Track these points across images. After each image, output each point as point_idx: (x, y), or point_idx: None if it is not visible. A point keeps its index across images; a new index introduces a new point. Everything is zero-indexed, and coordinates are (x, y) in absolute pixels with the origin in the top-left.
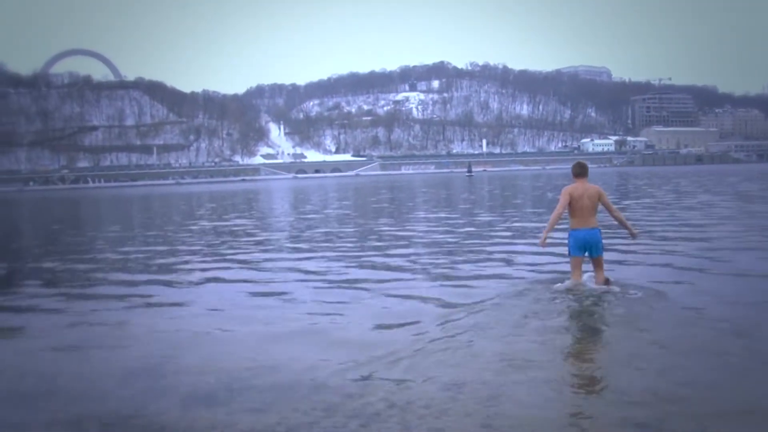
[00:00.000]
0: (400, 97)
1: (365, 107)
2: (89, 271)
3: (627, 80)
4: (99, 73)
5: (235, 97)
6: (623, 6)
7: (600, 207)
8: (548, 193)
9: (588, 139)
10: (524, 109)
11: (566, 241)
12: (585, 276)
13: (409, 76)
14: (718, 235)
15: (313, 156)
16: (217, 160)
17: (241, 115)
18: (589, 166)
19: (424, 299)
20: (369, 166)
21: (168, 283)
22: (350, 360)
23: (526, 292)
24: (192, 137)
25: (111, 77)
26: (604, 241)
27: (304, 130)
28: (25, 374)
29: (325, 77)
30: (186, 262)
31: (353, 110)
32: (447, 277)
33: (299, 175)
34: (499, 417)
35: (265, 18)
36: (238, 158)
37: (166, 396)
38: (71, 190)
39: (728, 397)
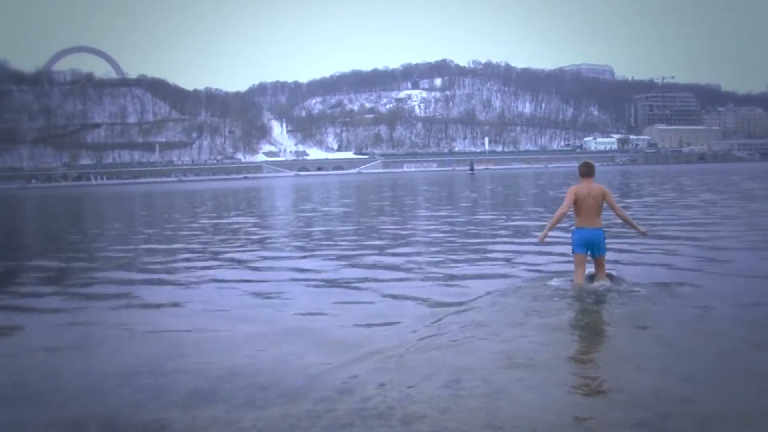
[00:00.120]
0: (402, 95)
1: (367, 105)
2: (88, 269)
3: (630, 78)
4: (101, 70)
5: (238, 94)
6: (626, 4)
7: (606, 206)
8: (550, 192)
9: (591, 138)
10: (527, 107)
11: (566, 241)
12: (587, 273)
13: (411, 74)
14: (721, 234)
15: (315, 154)
16: (219, 157)
17: (243, 113)
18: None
19: (423, 297)
20: (371, 163)
21: (168, 282)
22: (350, 358)
23: (527, 290)
24: (194, 135)
25: (113, 75)
26: (608, 241)
27: (306, 128)
28: (25, 372)
29: (327, 75)
30: (186, 260)
31: (355, 108)
32: (447, 276)
33: (301, 173)
34: (501, 415)
35: (267, 16)
36: (240, 156)
37: (166, 394)
38: (73, 188)
39: (730, 397)
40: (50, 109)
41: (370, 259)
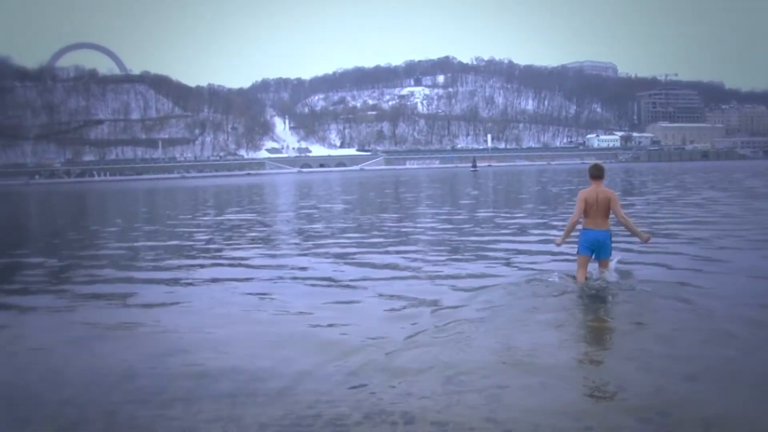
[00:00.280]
0: (405, 91)
1: (370, 102)
2: (87, 267)
3: (633, 76)
4: (104, 66)
5: (241, 91)
6: (629, 1)
7: None
8: (552, 188)
9: (593, 135)
10: (529, 105)
11: (569, 240)
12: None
13: (414, 71)
14: (724, 232)
15: (317, 150)
16: (222, 154)
17: (246, 110)
18: (594, 161)
19: (422, 295)
20: (373, 160)
21: (167, 281)
22: (351, 355)
23: (527, 287)
24: (197, 131)
25: (116, 71)
26: (617, 240)
27: (308, 125)
28: (30, 368)
29: (330, 72)
30: (187, 258)
31: (358, 105)
32: (446, 273)
33: (304, 170)
34: (502, 411)
35: (270, 12)
36: (243, 152)
37: (170, 389)
38: (76, 184)
39: (732, 396)
40: (53, 105)
41: (369, 257)
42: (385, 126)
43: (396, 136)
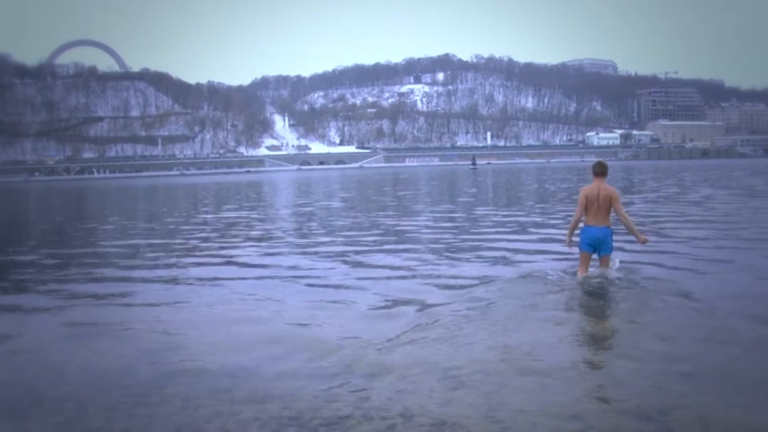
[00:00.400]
0: (404, 89)
1: (370, 99)
2: (83, 265)
3: (633, 74)
4: (104, 63)
5: (240, 88)
6: None
7: None
8: (550, 187)
9: (593, 133)
10: (529, 102)
11: (565, 237)
12: (590, 270)
13: (413, 69)
14: (724, 231)
15: (317, 148)
16: (221, 151)
17: (245, 107)
18: (594, 159)
19: (420, 292)
20: (373, 158)
21: (164, 280)
22: (349, 352)
23: (526, 285)
24: (197, 128)
25: (116, 68)
26: (617, 239)
27: (308, 122)
28: (30, 364)
29: (330, 69)
30: (184, 257)
31: (358, 102)
32: (444, 270)
33: (303, 167)
34: (500, 409)
35: (270, 10)
36: (242, 150)
37: (169, 386)
38: (76, 181)
39: (732, 393)
40: (53, 102)
41: (365, 256)
42: (385, 123)
43: (395, 134)
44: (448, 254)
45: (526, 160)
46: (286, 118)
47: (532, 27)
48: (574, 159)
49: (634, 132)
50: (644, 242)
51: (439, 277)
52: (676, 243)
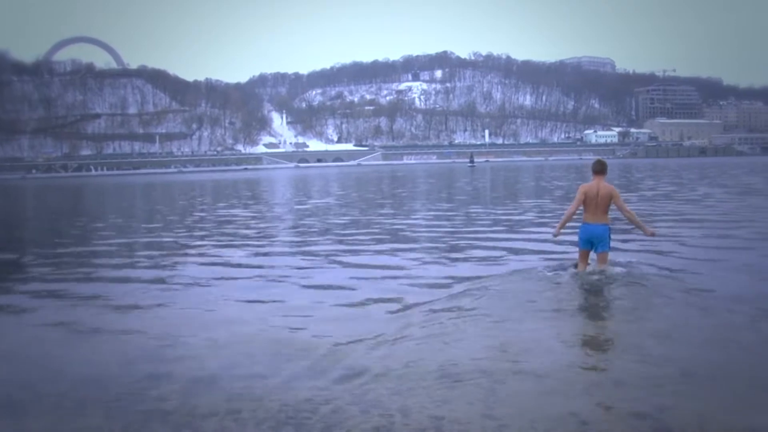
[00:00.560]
0: (402, 86)
1: (368, 97)
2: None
3: (631, 71)
4: (102, 60)
5: (238, 85)
6: None
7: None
8: (546, 184)
9: (591, 131)
10: (527, 100)
11: (568, 233)
12: (589, 268)
13: (411, 66)
14: (723, 230)
15: (315, 145)
16: (219, 148)
17: (243, 104)
18: (592, 157)
19: (418, 290)
20: (371, 155)
21: (162, 279)
22: (348, 350)
23: (524, 282)
24: (194, 126)
25: (114, 65)
26: (620, 237)
27: (306, 120)
28: (29, 360)
29: (327, 66)
30: (179, 256)
31: (356, 100)
32: (439, 269)
33: (301, 165)
34: (498, 407)
35: (268, 6)
36: (240, 147)
37: (167, 383)
38: (73, 178)
39: (729, 391)
40: (50, 99)
41: (362, 255)
42: (383, 121)
43: (393, 132)
44: (443, 253)
45: (524, 158)
46: (284, 116)
47: (531, 24)
48: (572, 157)
49: (632, 130)
50: (652, 235)
51: (435, 275)
52: (675, 242)
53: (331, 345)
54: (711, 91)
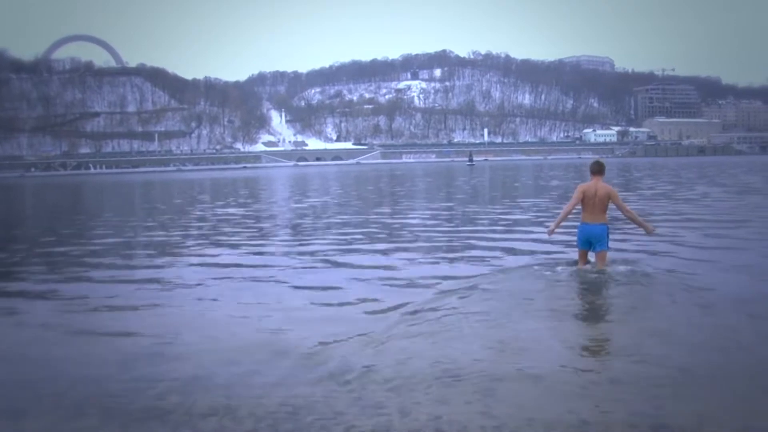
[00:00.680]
0: (401, 85)
1: (367, 95)
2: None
3: (630, 71)
4: (101, 59)
5: (237, 84)
6: None
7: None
8: (545, 184)
9: (590, 130)
10: (526, 99)
11: (567, 231)
12: (588, 266)
13: (411, 65)
14: (723, 229)
15: (314, 144)
16: (218, 147)
17: (242, 103)
18: (591, 156)
19: (417, 289)
20: (370, 154)
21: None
22: (347, 348)
23: (523, 280)
24: (193, 124)
25: (113, 63)
26: (618, 236)
27: (305, 118)
28: (26, 360)
29: (327, 65)
30: (176, 256)
31: (355, 98)
32: (436, 268)
33: (300, 163)
34: (496, 405)
35: (267, 6)
36: (239, 145)
37: (165, 381)
38: (72, 176)
39: (728, 389)
40: (49, 97)
41: (360, 255)
42: (382, 120)
43: (392, 130)
44: (441, 252)
45: (523, 157)
46: (283, 114)
47: (530, 23)
48: (571, 156)
49: (631, 129)
50: (652, 232)
51: (433, 274)
52: (673, 241)
53: (328, 344)
54: (710, 91)
